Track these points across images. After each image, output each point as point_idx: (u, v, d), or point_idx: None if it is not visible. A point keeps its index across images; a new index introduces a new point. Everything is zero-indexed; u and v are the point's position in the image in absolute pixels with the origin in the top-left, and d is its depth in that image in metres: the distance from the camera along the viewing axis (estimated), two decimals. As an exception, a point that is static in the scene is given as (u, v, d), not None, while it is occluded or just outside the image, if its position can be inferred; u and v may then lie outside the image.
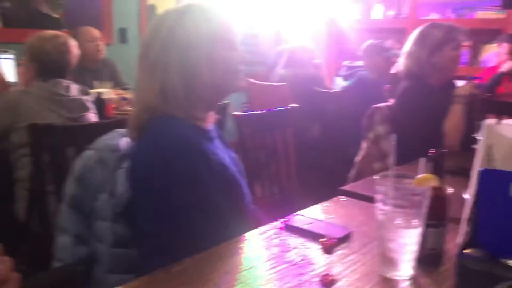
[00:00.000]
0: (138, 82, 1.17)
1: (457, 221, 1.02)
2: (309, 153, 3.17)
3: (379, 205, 0.87)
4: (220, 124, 2.20)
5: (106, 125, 1.60)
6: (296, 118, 2.03)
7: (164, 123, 1.09)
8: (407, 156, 1.85)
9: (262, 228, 1.11)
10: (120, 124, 1.30)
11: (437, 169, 0.91)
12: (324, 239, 0.87)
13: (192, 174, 1.04)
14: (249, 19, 4.95)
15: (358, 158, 2.23)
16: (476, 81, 2.90)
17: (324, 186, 2.52)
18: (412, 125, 2.02)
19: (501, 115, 2.38)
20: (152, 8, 4.28)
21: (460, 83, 2.26)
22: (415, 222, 0.85)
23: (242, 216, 1.16)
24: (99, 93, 2.72)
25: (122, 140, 1.19)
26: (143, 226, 1.07)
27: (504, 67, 3.34)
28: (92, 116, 2.13)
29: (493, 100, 2.67)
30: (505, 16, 3.94)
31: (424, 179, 0.87)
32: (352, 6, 4.97)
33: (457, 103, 2.02)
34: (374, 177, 0.89)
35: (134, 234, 1.10)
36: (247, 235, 1.08)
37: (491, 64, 3.75)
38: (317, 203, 1.32)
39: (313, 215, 1.20)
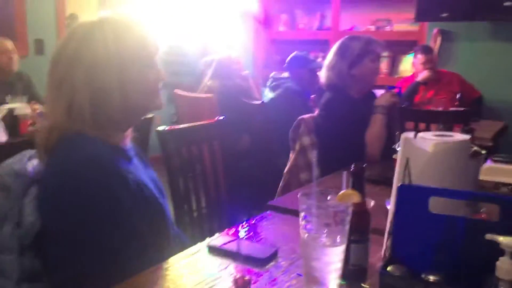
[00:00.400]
0: (46, 98, 1.09)
1: (380, 232, 1.03)
2: (239, 165, 3.15)
3: (303, 224, 0.85)
4: (143, 139, 2.12)
5: (16, 145, 1.47)
6: (223, 130, 2.00)
7: (75, 142, 1.02)
8: (332, 165, 1.89)
9: (186, 251, 1.06)
10: (31, 144, 1.19)
11: (358, 184, 0.91)
12: (237, 276, 0.83)
13: (107, 196, 0.98)
14: (176, 29, 4.89)
15: (286, 169, 2.24)
16: (395, 90, 3.05)
17: (255, 197, 2.51)
18: (335, 135, 2.07)
19: (419, 122, 2.51)
20: (73, 17, 4.08)
21: (379, 92, 2.35)
22: (339, 239, 0.84)
23: (164, 238, 1.11)
24: (12, 108, 2.52)
25: (30, 162, 1.09)
26: (56, 256, 1.00)
27: (420, 77, 3.54)
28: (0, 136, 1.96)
29: (411, 109, 2.80)
30: (419, 28, 4.20)
31: (345, 195, 0.87)
32: (278, 18, 5.06)
33: (377, 113, 2.09)
34: (298, 195, 0.87)
35: (45, 266, 1.01)
36: (170, 260, 1.02)
37: (408, 74, 3.96)
38: (248, 215, 1.30)
39: (240, 233, 1.17)
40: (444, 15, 3.73)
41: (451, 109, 2.98)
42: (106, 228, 0.98)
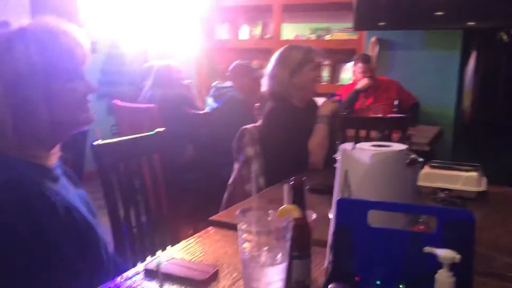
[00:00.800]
0: None
1: (324, 243, 1.01)
2: (184, 177, 3.08)
3: (242, 244, 0.82)
4: (77, 155, 2.01)
5: None
6: (164, 142, 1.93)
7: None
8: (277, 175, 1.87)
9: (121, 276, 0.99)
10: None
11: (298, 198, 0.89)
12: None
13: (31, 222, 0.90)
14: (115, 37, 4.74)
15: (230, 181, 2.20)
16: (336, 98, 3.10)
17: (202, 210, 2.45)
18: (279, 145, 2.06)
19: (359, 129, 2.56)
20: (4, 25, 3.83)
21: (320, 100, 2.36)
22: (280, 257, 0.81)
23: (96, 263, 1.03)
24: None
25: None
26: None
27: (360, 85, 3.63)
28: None
29: (351, 117, 2.86)
30: (358, 37, 4.31)
31: (285, 210, 0.85)
32: (220, 27, 5.03)
33: (321, 123, 2.10)
34: (236, 213, 0.83)
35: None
36: (104, 286, 0.95)
37: (349, 82, 4.05)
38: (194, 229, 1.24)
39: (180, 253, 1.12)
40: (381, 24, 3.85)
41: (390, 115, 3.07)
42: (30, 258, 0.90)
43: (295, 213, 0.85)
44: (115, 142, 1.72)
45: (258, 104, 3.05)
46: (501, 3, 3.43)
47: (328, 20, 4.65)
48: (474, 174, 1.60)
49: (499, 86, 3.97)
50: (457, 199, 1.51)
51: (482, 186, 1.59)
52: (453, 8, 3.59)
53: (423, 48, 3.98)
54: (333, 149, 1.91)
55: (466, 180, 1.58)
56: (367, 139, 2.55)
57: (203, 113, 3.06)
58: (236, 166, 2.20)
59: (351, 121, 2.65)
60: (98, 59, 4.52)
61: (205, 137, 2.91)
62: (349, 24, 4.04)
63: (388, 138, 2.57)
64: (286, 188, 0.92)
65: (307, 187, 1.66)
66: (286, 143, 2.06)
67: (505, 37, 3.92)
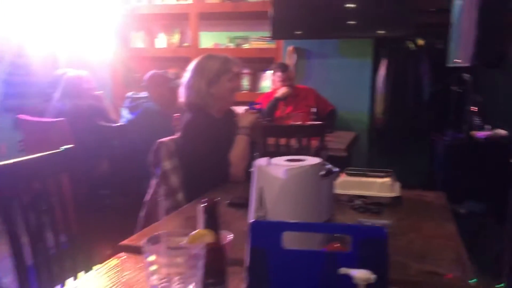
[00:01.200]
0: None
1: (242, 263, 0.97)
2: (99, 193, 2.91)
3: (150, 273, 0.75)
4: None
5: None
6: (73, 160, 1.79)
7: None
8: (197, 189, 1.81)
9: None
10: None
11: (211, 221, 0.84)
12: None
13: None
14: (20, 44, 4.40)
15: (147, 197, 2.09)
16: (257, 107, 3.10)
17: (119, 228, 2.32)
18: (198, 157, 2.00)
19: (279, 137, 2.58)
20: None
21: (240, 109, 2.33)
22: (193, 286, 0.76)
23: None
24: None
25: None
26: None
27: (279, 93, 3.66)
28: None
29: (272, 125, 2.87)
30: (275, 46, 4.36)
31: (197, 236, 0.79)
32: (135, 35, 4.86)
33: (241, 134, 2.07)
34: (142, 242, 0.76)
35: None
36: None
37: (268, 90, 4.08)
38: (110, 250, 1.14)
39: (89, 283, 1.02)
40: (297, 33, 3.93)
41: (309, 123, 3.12)
42: None
43: (208, 237, 0.80)
44: (14, 163, 1.55)
45: (178, 114, 2.97)
46: (407, 14, 3.64)
47: (245, 28, 4.67)
48: (387, 180, 1.64)
49: (407, 91, 4.22)
50: (373, 205, 1.54)
51: (396, 192, 1.63)
52: (364, 18, 3.75)
53: (337, 56, 4.12)
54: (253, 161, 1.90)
55: (381, 186, 1.62)
56: (287, 147, 2.57)
57: (118, 125, 2.91)
58: (153, 181, 2.11)
59: (272, 129, 2.66)
60: (1, 70, 4.17)
61: (120, 151, 2.77)
62: (267, 33, 4.08)
63: (307, 146, 2.60)
64: (200, 209, 0.87)
65: (227, 201, 1.62)
66: (205, 155, 2.00)
67: (411, 45, 4.18)
